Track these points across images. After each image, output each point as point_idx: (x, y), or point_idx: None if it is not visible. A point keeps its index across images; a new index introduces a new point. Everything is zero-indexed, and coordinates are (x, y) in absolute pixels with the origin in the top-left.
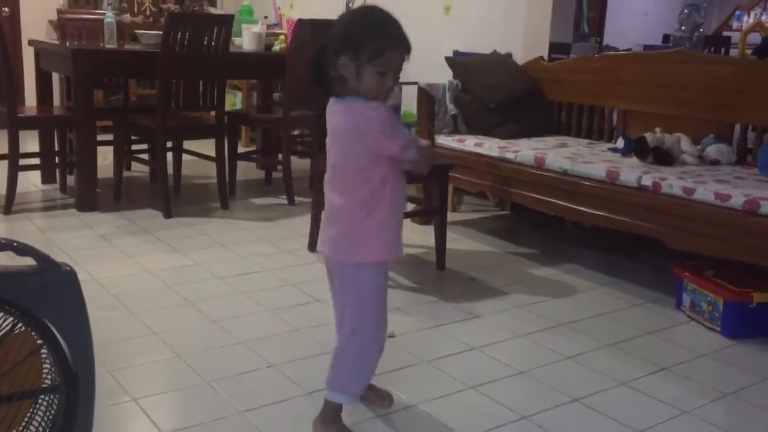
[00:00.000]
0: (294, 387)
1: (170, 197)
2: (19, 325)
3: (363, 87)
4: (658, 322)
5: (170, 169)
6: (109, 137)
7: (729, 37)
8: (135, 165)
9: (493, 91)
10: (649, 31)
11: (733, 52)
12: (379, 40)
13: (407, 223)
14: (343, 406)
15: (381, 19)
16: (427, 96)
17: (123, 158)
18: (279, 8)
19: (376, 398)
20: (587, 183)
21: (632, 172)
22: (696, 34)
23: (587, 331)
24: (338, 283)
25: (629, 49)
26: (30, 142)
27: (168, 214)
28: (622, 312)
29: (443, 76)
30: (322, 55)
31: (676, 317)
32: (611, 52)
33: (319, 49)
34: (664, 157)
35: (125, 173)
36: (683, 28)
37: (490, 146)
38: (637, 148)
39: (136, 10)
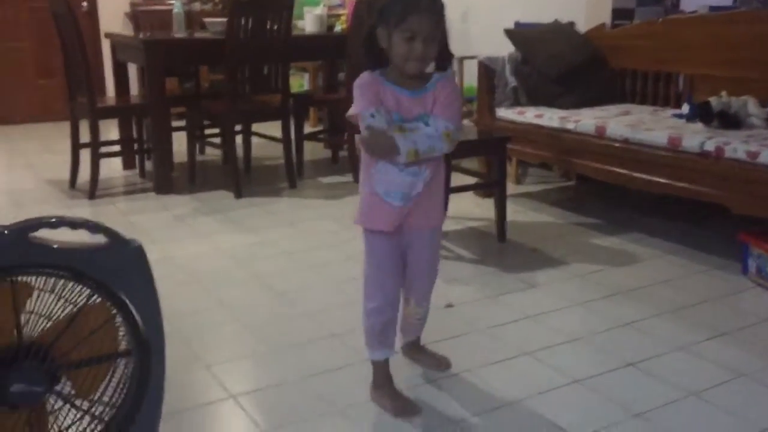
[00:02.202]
0: (353, 354)
1: (241, 179)
2: (95, 296)
3: (394, 53)
4: (721, 288)
5: (241, 152)
6: (184, 123)
7: None
8: (209, 148)
9: (554, 62)
10: None
11: None
12: (403, 6)
13: (467, 195)
14: (388, 368)
15: None
16: (486, 70)
17: (196, 143)
18: None
19: (433, 362)
20: (649, 150)
21: (695, 137)
22: None
23: (646, 298)
24: None
25: (695, 12)
26: (111, 130)
27: (239, 195)
28: (684, 279)
29: (507, 48)
30: (372, 33)
31: (741, 283)
32: (675, 16)
33: (369, 27)
34: (729, 121)
35: (200, 157)
36: None
37: (550, 117)
38: (701, 113)
39: None
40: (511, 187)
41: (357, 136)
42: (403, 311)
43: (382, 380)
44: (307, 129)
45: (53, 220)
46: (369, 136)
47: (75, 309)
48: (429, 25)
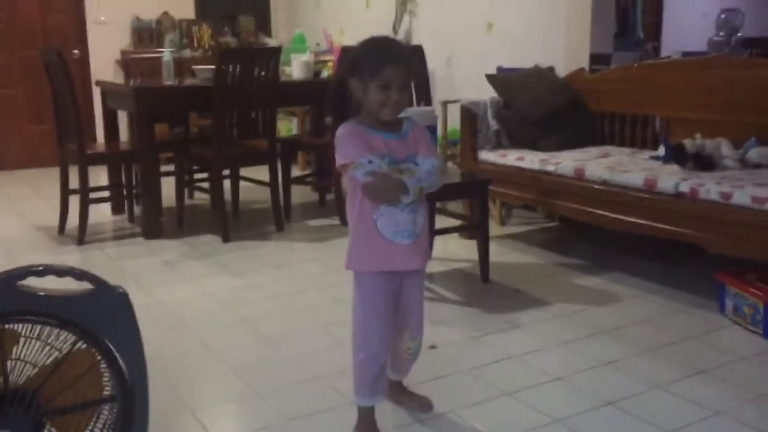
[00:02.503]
0: (338, 397)
1: (229, 222)
2: (80, 342)
3: (370, 102)
4: (699, 327)
5: (229, 196)
6: (173, 168)
7: None
8: (197, 193)
9: (534, 105)
10: (711, 33)
11: None
12: (378, 57)
13: (452, 238)
14: (374, 412)
15: (382, 41)
16: (469, 113)
17: (184, 188)
18: (330, 35)
19: (415, 404)
20: (626, 192)
21: (670, 179)
22: (734, 37)
23: (627, 337)
24: None
25: (669, 57)
26: (101, 176)
27: (226, 239)
28: (664, 318)
29: (491, 92)
30: (342, 84)
31: (719, 322)
32: (650, 61)
33: (339, 78)
34: (704, 163)
35: (189, 201)
36: (721, 33)
37: (531, 159)
38: (676, 155)
39: (196, 45)
40: (495, 229)
41: (362, 183)
42: (396, 348)
43: (367, 424)
44: (296, 172)
45: (40, 268)
46: (376, 181)
47: (60, 355)
48: (403, 73)
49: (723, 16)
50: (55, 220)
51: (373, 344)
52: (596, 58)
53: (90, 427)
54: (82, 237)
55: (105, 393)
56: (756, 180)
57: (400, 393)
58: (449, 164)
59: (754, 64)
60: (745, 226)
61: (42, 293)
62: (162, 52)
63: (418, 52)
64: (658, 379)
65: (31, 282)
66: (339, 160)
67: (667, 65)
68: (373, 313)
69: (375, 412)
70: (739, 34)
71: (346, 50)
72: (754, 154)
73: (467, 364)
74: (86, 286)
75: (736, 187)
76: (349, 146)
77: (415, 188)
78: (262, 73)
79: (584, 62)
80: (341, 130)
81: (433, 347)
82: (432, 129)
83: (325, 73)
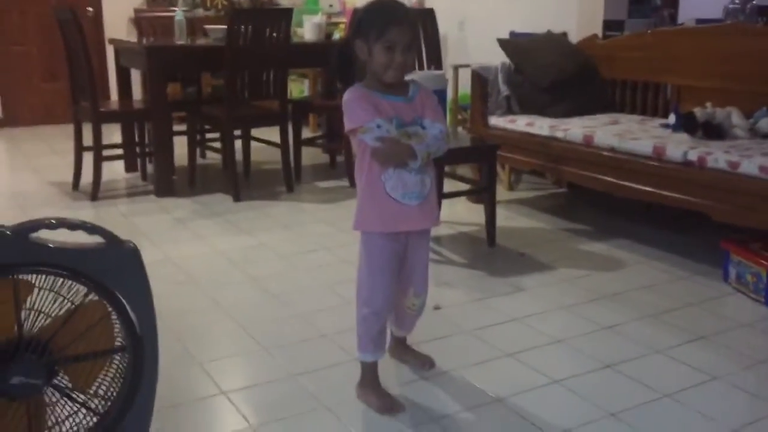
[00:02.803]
0: (343, 354)
1: (239, 182)
2: (92, 294)
3: (375, 63)
4: (702, 294)
5: (240, 156)
6: (185, 127)
7: None
8: (209, 153)
9: (545, 71)
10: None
11: None
12: (381, 19)
13: (461, 201)
14: (377, 368)
15: (387, 3)
16: (479, 78)
17: (196, 147)
18: None
19: (418, 362)
20: (634, 159)
21: (678, 147)
22: (749, 5)
23: (629, 302)
24: None
25: (682, 24)
26: (114, 134)
27: (237, 198)
28: (667, 285)
29: (502, 57)
30: (347, 46)
31: (722, 289)
32: (664, 28)
33: (343, 41)
34: (713, 132)
35: (201, 161)
36: (735, 0)
37: (540, 125)
38: (686, 124)
39: (208, 5)
40: (503, 194)
41: (370, 148)
42: (400, 305)
43: (370, 380)
44: (307, 134)
45: (53, 221)
46: (386, 146)
47: (72, 306)
48: (408, 35)
49: None
50: (69, 177)
51: (377, 301)
52: (610, 25)
53: (101, 376)
54: (95, 193)
55: (116, 343)
56: (765, 150)
57: (403, 351)
58: (459, 129)
59: (766, 33)
60: (751, 196)
61: (54, 245)
62: (175, 11)
63: (429, 15)
64: (658, 344)
65: (44, 234)
66: (348, 125)
67: (680, 32)
68: (379, 271)
69: (379, 369)
70: (754, 2)
71: (357, 12)
72: (764, 123)
73: (470, 325)
74: (98, 240)
75: (744, 157)
76: (358, 110)
77: (423, 153)
78: (274, 34)
79: (597, 28)
80: (348, 95)
81: (437, 308)
82: (441, 93)
83: (337, 35)
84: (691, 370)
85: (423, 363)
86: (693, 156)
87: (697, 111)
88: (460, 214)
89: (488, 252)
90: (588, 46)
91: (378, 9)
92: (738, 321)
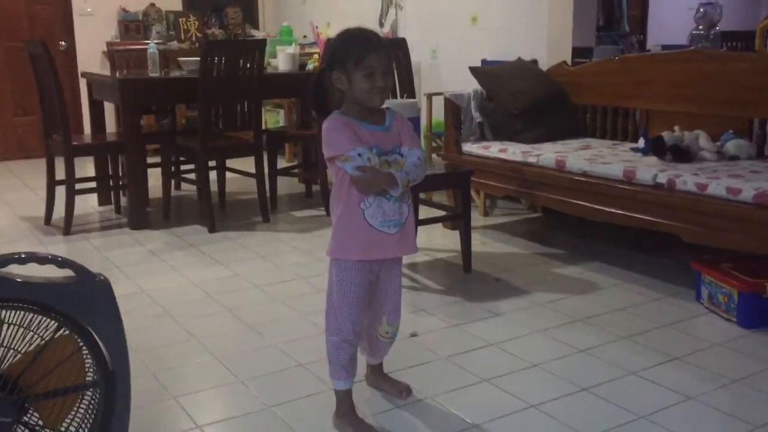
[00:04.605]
0: (319, 383)
1: (215, 213)
2: (63, 328)
3: (357, 91)
4: (675, 315)
5: (215, 187)
6: (160, 159)
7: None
8: (184, 184)
9: (517, 98)
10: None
11: None
12: (359, 47)
13: (437, 228)
14: (351, 397)
15: (357, 32)
16: (452, 106)
17: (170, 179)
18: (316, 27)
19: (394, 390)
20: (606, 183)
21: (648, 170)
22: (713, 31)
23: (604, 325)
24: None
25: (648, 50)
26: (88, 167)
27: (213, 229)
28: (640, 306)
29: (474, 84)
30: (321, 78)
31: (695, 310)
32: (631, 54)
33: (318, 73)
34: (682, 155)
35: (176, 192)
36: (700, 27)
37: (513, 151)
38: (655, 147)
39: (182, 37)
40: (479, 219)
41: (352, 177)
42: (373, 333)
43: (346, 409)
44: (283, 164)
45: (22, 255)
46: (367, 175)
47: (42, 341)
48: (385, 60)
49: (702, 10)
50: (41, 211)
51: (347, 328)
52: (579, 52)
53: (73, 412)
54: (68, 227)
55: (87, 378)
56: (731, 172)
57: (380, 379)
58: (434, 156)
59: (729, 58)
60: (720, 217)
61: (23, 280)
62: (148, 44)
63: (402, 44)
64: (632, 366)
65: (14, 269)
66: (328, 152)
67: (646, 59)
68: (350, 299)
69: (354, 398)
70: (717, 28)
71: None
72: (730, 146)
73: (447, 351)
74: (68, 273)
75: (712, 179)
76: (340, 137)
77: (404, 180)
78: (248, 65)
79: (566, 55)
80: (329, 123)
81: (414, 335)
82: (415, 121)
83: (311, 65)
84: (666, 391)
85: (400, 391)
86: (662, 179)
87: (666, 135)
88: (436, 240)
89: (464, 278)
90: (557, 72)
91: (352, 38)
92: (711, 341)
